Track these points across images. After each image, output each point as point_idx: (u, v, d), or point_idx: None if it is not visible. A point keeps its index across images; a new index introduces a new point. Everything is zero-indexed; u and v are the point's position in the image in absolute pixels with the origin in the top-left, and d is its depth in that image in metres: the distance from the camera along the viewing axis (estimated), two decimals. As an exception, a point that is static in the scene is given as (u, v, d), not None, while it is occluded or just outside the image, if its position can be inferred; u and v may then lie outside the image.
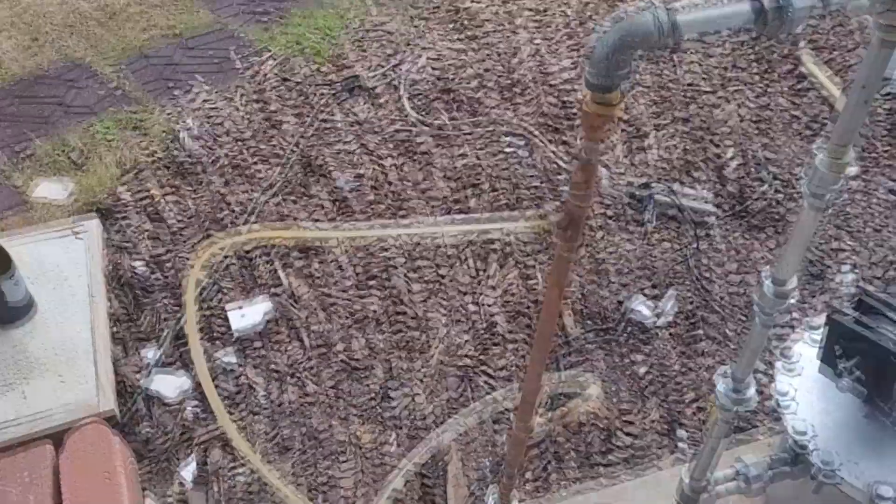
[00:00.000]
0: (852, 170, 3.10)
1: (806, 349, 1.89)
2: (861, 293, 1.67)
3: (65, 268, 2.71)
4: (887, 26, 0.97)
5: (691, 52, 3.81)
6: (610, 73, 0.84)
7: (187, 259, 2.86)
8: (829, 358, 1.73)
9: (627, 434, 2.35)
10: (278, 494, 2.19)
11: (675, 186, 3.01)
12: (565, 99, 3.53)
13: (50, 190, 3.26)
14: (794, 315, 2.30)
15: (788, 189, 3.06)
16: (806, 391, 1.84)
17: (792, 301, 1.38)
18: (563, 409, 1.50)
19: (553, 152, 3.22)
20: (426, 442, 1.53)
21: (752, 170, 3.13)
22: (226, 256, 2.87)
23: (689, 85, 3.56)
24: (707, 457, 1.69)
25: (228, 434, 1.24)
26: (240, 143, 3.45)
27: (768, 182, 3.06)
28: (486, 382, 2.46)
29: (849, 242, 2.83)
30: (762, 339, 1.44)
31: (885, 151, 3.15)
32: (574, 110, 3.44)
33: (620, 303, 2.67)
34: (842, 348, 1.67)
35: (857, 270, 2.72)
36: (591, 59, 0.84)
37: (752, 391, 1.53)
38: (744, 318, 2.61)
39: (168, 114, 3.70)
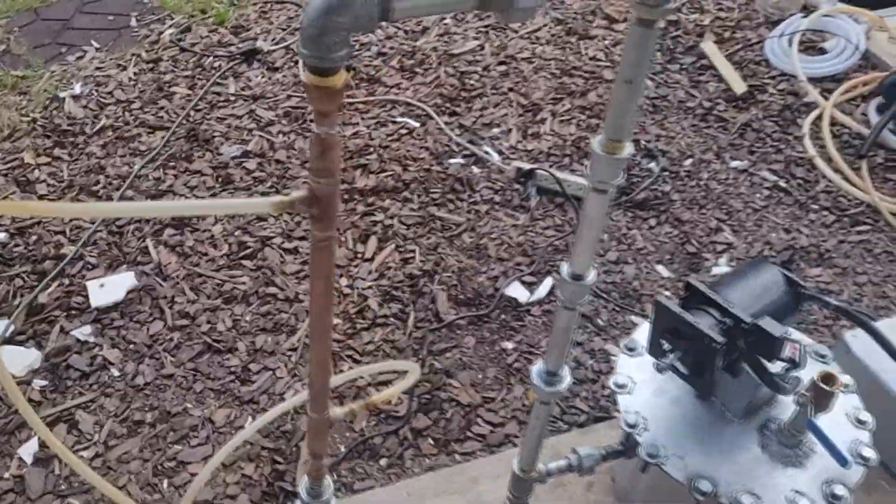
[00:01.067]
0: (737, 164, 3.13)
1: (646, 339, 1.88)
2: (688, 282, 1.67)
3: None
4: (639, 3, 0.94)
5: (598, 39, 3.80)
6: (324, 56, 0.79)
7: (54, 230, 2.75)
8: (656, 344, 1.73)
9: (490, 411, 2.33)
10: (118, 472, 2.11)
11: (562, 170, 2.99)
12: (466, 80, 3.48)
13: (-83, 152, 3.09)
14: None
15: (677, 181, 3.07)
16: (643, 382, 1.84)
17: (588, 295, 1.36)
18: (372, 397, 1.45)
19: (448, 132, 3.17)
20: (274, 409, 1.47)
21: (642, 158, 3.14)
22: (95, 229, 2.75)
23: (590, 72, 3.55)
24: (532, 445, 1.67)
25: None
26: (126, 111, 3.32)
27: (657, 171, 3.06)
28: (351, 357, 2.42)
29: (728, 236, 2.85)
30: (567, 333, 1.41)
31: (773, 147, 3.19)
32: (472, 87, 3.40)
33: (496, 288, 2.64)
34: (667, 332, 1.66)
35: (732, 263, 2.74)
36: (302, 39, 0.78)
37: (566, 382, 1.51)
38: (621, 299, 2.61)
39: (56, 78, 3.54)
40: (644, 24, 0.99)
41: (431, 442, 2.27)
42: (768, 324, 1.55)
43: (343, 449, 2.24)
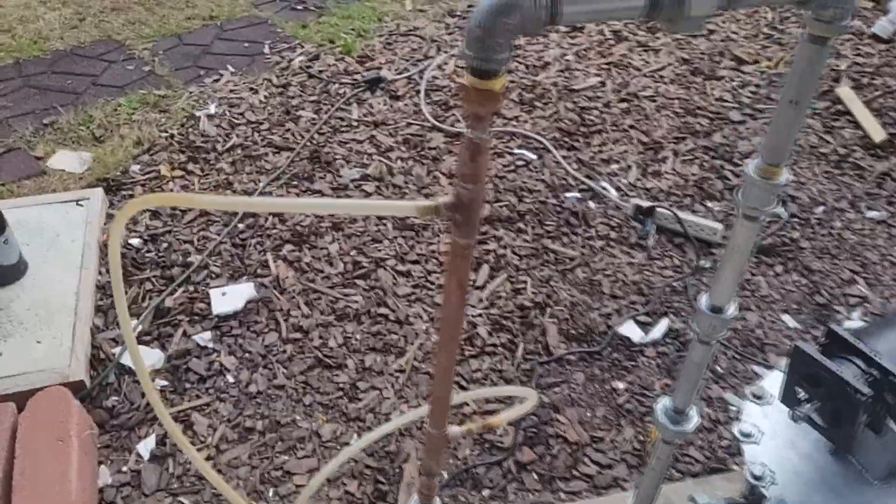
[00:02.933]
0: (874, 214, 2.94)
1: (775, 387, 1.78)
2: (829, 328, 1.57)
3: (62, 234, 2.75)
4: (815, 19, 0.89)
5: (726, 80, 3.70)
6: (487, 58, 0.79)
7: (183, 239, 2.88)
8: (790, 392, 1.62)
9: (598, 451, 2.25)
10: (227, 475, 2.15)
11: (682, 210, 2.90)
12: (586, 115, 3.45)
13: (67, 161, 3.33)
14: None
15: (807, 228, 2.92)
16: (771, 433, 1.74)
17: (727, 329, 1.29)
18: (489, 417, 1.42)
19: (565, 166, 3.14)
20: (382, 427, 1.48)
21: (770, 203, 3.00)
22: (221, 241, 2.87)
23: (716, 112, 3.45)
24: (650, 487, 1.60)
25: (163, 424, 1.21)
26: (255, 131, 3.47)
27: (786, 217, 2.92)
28: (457, 382, 2.39)
29: (862, 289, 2.68)
30: (700, 370, 1.34)
31: (915, 197, 2.99)
32: (592, 121, 3.37)
33: (609, 326, 2.57)
34: (805, 380, 1.56)
35: (866, 317, 2.57)
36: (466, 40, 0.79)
37: (693, 422, 1.43)
38: (743, 348, 2.49)
39: (193, 98, 3.75)
40: (816, 41, 0.94)
41: (536, 477, 2.21)
42: (924, 378, 1.43)
43: (445, 476, 2.21)
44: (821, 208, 2.99)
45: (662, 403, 1.45)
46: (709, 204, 3.01)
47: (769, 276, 2.74)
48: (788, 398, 1.64)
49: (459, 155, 0.95)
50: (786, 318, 2.62)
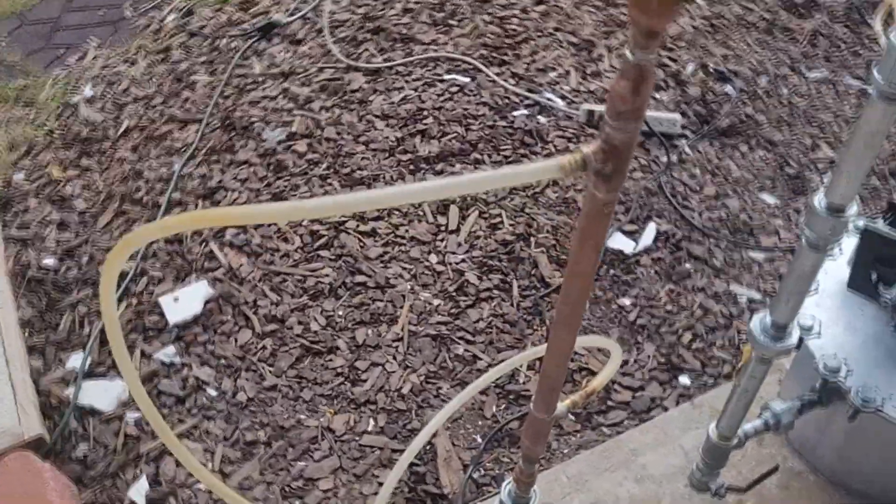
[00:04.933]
0: (816, 74, 2.92)
1: (825, 273, 1.69)
2: (891, 202, 1.47)
3: (-42, 274, 2.31)
4: None
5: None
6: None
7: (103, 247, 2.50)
8: (860, 277, 1.53)
9: (625, 374, 2.15)
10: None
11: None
12: (506, 25, 3.23)
13: (-69, 185, 2.81)
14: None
15: (757, 101, 2.86)
16: (831, 320, 1.66)
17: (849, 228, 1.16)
18: (587, 385, 1.25)
19: (502, 83, 2.93)
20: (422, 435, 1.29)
21: (715, 82, 2.92)
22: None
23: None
24: (740, 409, 1.48)
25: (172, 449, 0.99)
26: (149, 108, 3.04)
27: (735, 94, 2.85)
28: (463, 337, 2.21)
29: (827, 151, 2.66)
30: (809, 280, 1.21)
31: (850, 50, 2.98)
32: (516, 33, 3.15)
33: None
34: (880, 262, 1.47)
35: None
36: None
37: (795, 336, 1.31)
38: (732, 235, 2.42)
39: (61, 83, 3.25)
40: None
41: (572, 418, 2.08)
42: None
43: (479, 439, 2.05)
44: (764, 78, 2.94)
45: (759, 320, 1.32)
46: (657, 95, 2.89)
47: (736, 158, 2.68)
48: (859, 283, 1.55)
49: (614, 88, 0.73)
50: (764, 196, 2.57)
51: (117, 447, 2.04)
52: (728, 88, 2.88)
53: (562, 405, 1.20)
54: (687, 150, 2.69)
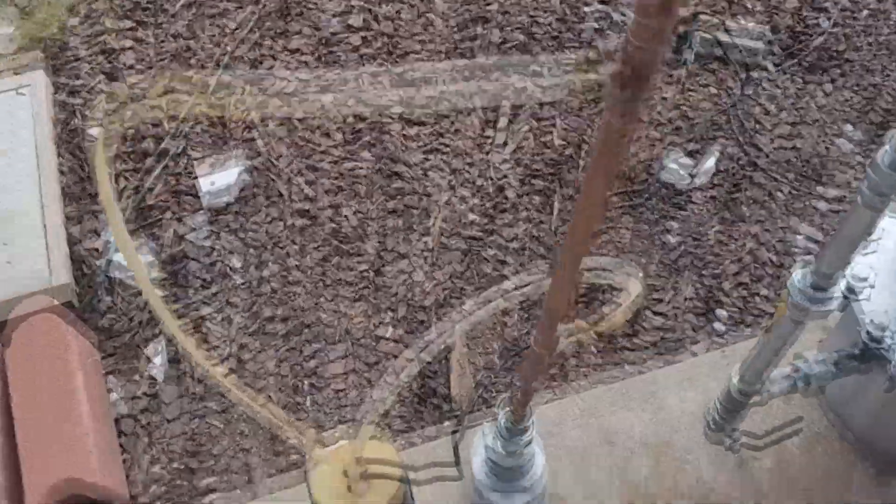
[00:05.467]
0: None
1: (890, 226, 1.55)
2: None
3: (5, 134, 2.33)
4: None
5: None
6: None
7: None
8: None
9: (657, 314, 2.06)
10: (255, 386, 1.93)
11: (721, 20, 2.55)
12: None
13: (-8, 39, 2.82)
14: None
15: (850, 21, 2.61)
16: (887, 276, 1.53)
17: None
18: (595, 318, 1.17)
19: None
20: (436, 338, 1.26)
21: (810, 11, 2.66)
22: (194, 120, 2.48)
23: None
24: (765, 358, 1.39)
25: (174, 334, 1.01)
26: (208, -17, 2.95)
27: (828, 27, 2.60)
28: (494, 256, 2.14)
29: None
30: (860, 239, 1.09)
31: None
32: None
33: (651, 161, 2.30)
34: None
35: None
36: None
37: (838, 290, 1.20)
38: (798, 179, 2.26)
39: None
40: None
41: (595, 350, 2.02)
42: None
43: (497, 360, 2.01)
44: (864, 13, 2.66)
45: (799, 276, 1.21)
46: (742, 20, 2.65)
47: (818, 97, 2.46)
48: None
49: (641, 3, 0.63)
50: (841, 142, 2.37)
51: (143, 320, 2.07)
52: (822, 20, 2.62)
53: (565, 341, 1.13)
54: (765, 83, 2.48)
